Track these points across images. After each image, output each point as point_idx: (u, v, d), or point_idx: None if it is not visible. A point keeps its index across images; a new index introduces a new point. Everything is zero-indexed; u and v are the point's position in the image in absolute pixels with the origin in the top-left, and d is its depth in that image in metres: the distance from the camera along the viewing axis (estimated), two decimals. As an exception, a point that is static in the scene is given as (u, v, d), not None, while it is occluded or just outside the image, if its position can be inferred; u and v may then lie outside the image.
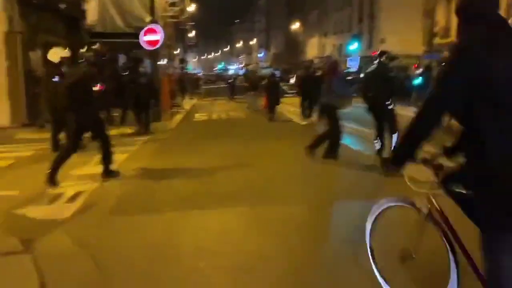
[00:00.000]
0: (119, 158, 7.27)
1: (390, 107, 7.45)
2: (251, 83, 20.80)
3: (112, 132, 10.13)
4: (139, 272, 3.50)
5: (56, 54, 7.67)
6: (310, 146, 7.84)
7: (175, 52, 36.51)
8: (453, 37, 27.36)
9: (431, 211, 2.54)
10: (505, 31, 2.12)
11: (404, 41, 30.32)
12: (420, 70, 20.03)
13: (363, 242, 3.04)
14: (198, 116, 17.48)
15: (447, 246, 2.47)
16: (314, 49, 52.33)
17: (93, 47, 6.36)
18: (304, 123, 13.50)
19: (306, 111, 14.23)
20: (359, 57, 36.52)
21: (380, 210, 2.90)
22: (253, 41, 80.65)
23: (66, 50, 7.77)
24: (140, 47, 14.21)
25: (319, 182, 6.39)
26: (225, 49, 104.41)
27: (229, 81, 29.75)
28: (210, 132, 12.72)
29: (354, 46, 36.55)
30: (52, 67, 7.98)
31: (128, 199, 5.62)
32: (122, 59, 18.52)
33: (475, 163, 2.13)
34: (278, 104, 15.55)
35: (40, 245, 3.94)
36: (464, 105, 2.07)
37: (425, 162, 2.43)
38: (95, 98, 6.57)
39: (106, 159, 6.60)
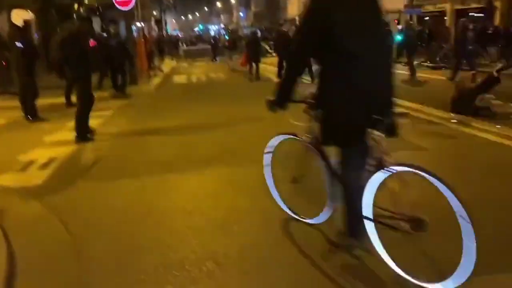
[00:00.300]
0: (93, 123, 7.11)
1: None
2: (230, 43, 20.42)
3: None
4: (112, 236, 3.48)
5: (18, 16, 7.31)
6: None
7: (154, 13, 35.44)
8: (433, -9, 27.01)
9: (311, 140, 3.05)
10: None
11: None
12: (400, 27, 19.90)
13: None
14: (177, 79, 17.18)
15: (325, 167, 3.04)
16: (294, 7, 51.28)
17: (85, 2, 6.31)
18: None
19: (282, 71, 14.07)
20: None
21: (274, 144, 3.47)
22: (233, 0, 78.71)
23: (29, 13, 7.41)
24: (114, 8, 13.70)
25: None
26: (205, 9, 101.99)
27: (212, 41, 29.07)
28: (189, 95, 12.52)
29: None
30: (15, 31, 7.62)
31: (102, 164, 5.54)
32: (96, 21, 17.87)
33: (322, 100, 2.74)
34: (259, 62, 15.25)
35: (11, 213, 3.88)
36: (317, 51, 2.62)
37: (302, 101, 2.92)
38: (90, 54, 6.54)
39: (81, 121, 6.49)
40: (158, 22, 34.60)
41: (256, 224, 3.58)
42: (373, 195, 2.66)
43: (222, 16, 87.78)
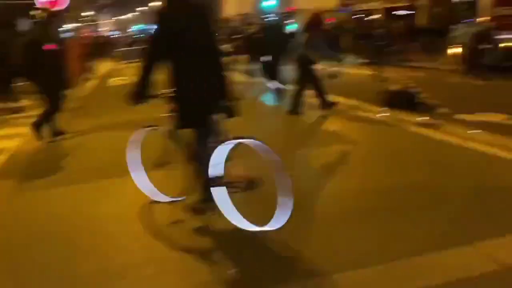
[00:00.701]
0: (23, 131, 6.79)
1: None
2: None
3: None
4: (49, 246, 3.39)
5: None
6: (290, 110, 7.85)
7: (88, 14, 34.21)
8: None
9: (170, 130, 3.60)
10: (184, 3, 3.42)
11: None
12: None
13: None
14: (114, 81, 16.68)
15: (182, 149, 3.65)
16: (232, 6, 51.38)
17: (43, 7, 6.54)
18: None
19: None
20: (277, 14, 36.36)
21: (141, 135, 3.98)
22: None
23: None
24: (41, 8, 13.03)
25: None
26: (143, 8, 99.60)
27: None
28: (125, 97, 12.19)
29: (270, 2, 36.21)
30: None
31: (34, 173, 5.32)
32: (21, 23, 16.93)
33: (175, 93, 3.42)
34: None
35: None
36: (166, 50, 3.30)
37: (159, 95, 3.50)
38: (51, 58, 6.65)
39: (44, 118, 6.66)
40: (92, 22, 33.41)
41: (194, 227, 3.59)
42: (220, 165, 3.36)
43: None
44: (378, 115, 7.49)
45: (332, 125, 6.98)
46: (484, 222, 3.40)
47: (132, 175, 4.10)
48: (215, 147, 3.34)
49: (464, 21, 15.01)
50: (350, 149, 5.67)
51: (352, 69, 14.86)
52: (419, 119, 6.94)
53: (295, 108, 7.81)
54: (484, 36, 12.81)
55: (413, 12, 24.37)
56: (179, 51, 3.30)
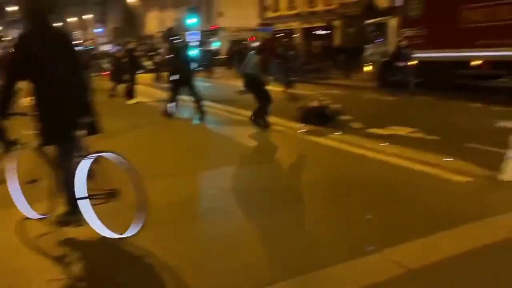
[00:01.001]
0: None
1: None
2: (85, 61, 19.31)
3: None
4: None
5: None
6: (253, 118, 8.02)
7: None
8: (282, 11, 29.26)
9: (36, 147, 3.76)
10: (44, 30, 3.61)
11: (242, 14, 31.31)
12: (255, 44, 21.09)
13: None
14: (27, 101, 15.59)
15: (49, 164, 3.78)
16: (154, 23, 50.85)
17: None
18: (130, 102, 12.99)
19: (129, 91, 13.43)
20: (199, 32, 36.56)
21: (14, 155, 4.04)
22: (88, 16, 74.77)
23: None
24: None
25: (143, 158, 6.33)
26: (57, 24, 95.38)
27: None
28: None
29: (192, 20, 36.30)
30: None
31: None
32: None
33: (38, 111, 3.61)
34: (120, 83, 13.86)
35: None
36: (25, 71, 3.53)
37: (23, 114, 3.71)
38: None
39: None
40: (1, 38, 31.40)
41: (62, 240, 3.54)
42: (84, 178, 3.53)
43: (76, 32, 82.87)
44: (298, 131, 7.74)
45: (253, 140, 7.10)
46: (391, 230, 3.62)
47: (11, 194, 4.07)
48: (79, 161, 3.52)
49: (376, 41, 16.09)
50: (269, 167, 5.80)
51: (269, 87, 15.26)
52: (334, 134, 7.28)
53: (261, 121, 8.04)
54: (393, 55, 13.83)
55: (330, 32, 25.74)
56: (38, 71, 3.52)
